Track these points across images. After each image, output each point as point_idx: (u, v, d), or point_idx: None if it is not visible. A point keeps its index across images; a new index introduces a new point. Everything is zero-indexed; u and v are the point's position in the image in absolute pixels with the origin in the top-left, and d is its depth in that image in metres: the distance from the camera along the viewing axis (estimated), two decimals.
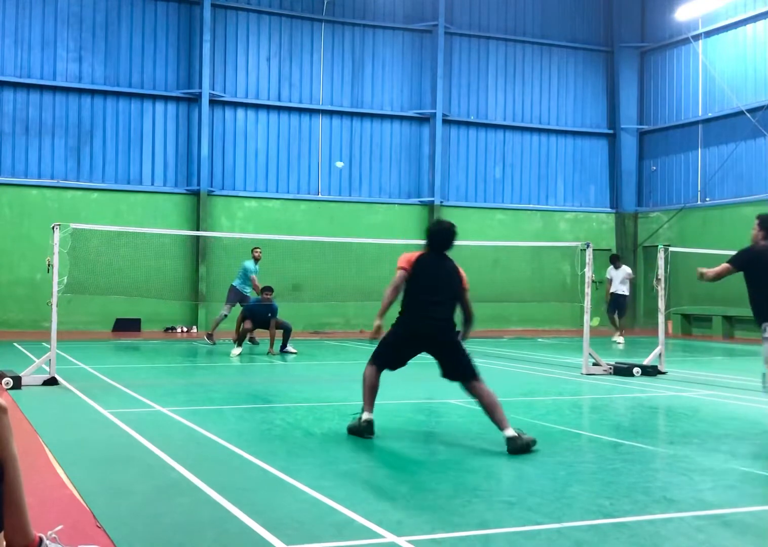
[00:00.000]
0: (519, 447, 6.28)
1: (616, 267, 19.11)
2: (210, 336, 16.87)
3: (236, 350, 14.76)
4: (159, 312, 20.15)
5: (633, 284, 20.72)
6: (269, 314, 14.95)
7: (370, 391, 7.00)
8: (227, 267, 19.00)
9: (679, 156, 24.61)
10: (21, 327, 19.45)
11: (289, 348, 15.20)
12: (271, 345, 14.97)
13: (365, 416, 6.91)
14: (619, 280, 18.95)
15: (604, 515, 4.61)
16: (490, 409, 6.60)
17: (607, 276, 19.26)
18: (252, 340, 16.39)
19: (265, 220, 21.87)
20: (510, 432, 6.37)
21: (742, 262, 7.44)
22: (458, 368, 6.78)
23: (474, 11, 24.74)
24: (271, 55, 22.71)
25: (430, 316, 6.82)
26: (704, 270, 7.71)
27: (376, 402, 7.04)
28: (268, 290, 15.13)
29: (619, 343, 18.30)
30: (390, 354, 7.03)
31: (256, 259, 16.20)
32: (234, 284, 16.25)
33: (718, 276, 7.52)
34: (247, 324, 15.11)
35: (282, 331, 15.28)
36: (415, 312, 6.88)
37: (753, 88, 22.21)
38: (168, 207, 21.48)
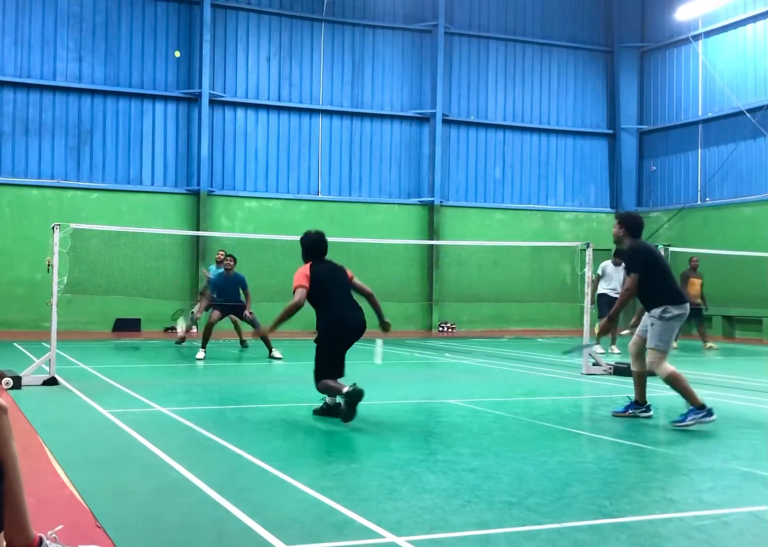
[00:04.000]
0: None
1: (616, 264, 15.46)
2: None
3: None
4: (159, 312, 20.11)
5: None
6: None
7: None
8: None
9: (679, 156, 24.61)
10: (21, 327, 19.44)
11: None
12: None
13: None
14: (619, 280, 15.29)
15: (604, 515, 4.60)
16: None
17: (600, 272, 15.87)
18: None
19: (265, 220, 21.88)
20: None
21: (643, 264, 7.72)
22: None
23: (474, 11, 24.74)
24: (271, 55, 22.71)
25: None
26: (611, 313, 8.06)
27: (377, 402, 7.03)
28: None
29: (617, 353, 15.33)
30: None
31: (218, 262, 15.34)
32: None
33: (632, 295, 7.69)
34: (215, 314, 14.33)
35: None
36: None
37: (753, 88, 22.22)
38: (168, 207, 21.47)
